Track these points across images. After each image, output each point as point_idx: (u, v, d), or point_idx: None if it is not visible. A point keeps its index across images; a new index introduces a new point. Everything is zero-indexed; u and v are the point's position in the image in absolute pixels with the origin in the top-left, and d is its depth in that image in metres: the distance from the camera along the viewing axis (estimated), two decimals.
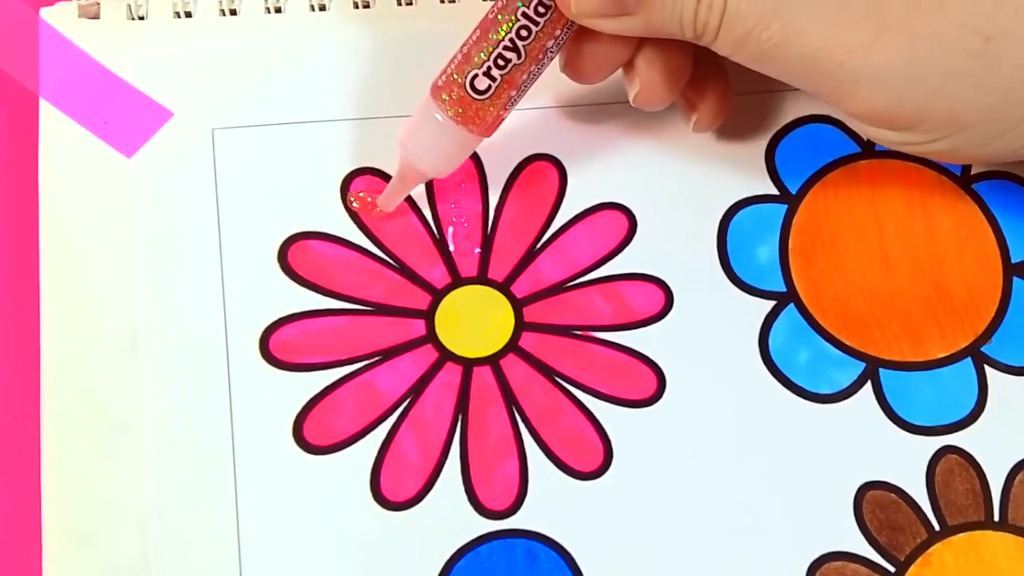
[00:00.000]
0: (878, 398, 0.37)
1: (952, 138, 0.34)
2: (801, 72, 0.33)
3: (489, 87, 0.34)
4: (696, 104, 0.38)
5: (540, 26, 0.34)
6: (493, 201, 0.39)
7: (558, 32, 0.34)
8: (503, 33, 0.34)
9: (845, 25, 0.32)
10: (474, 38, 0.34)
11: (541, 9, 0.34)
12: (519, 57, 0.34)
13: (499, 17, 0.34)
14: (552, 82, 0.40)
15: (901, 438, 0.37)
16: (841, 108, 0.34)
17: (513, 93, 0.35)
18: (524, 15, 0.34)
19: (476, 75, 0.34)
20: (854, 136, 0.40)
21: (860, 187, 0.40)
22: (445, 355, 0.37)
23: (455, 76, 0.34)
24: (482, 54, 0.34)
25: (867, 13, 0.32)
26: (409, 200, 0.39)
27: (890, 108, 0.33)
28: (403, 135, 0.36)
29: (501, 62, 0.34)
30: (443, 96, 0.34)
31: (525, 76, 0.34)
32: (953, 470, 0.36)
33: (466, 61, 0.34)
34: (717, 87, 0.38)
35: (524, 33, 0.34)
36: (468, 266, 0.38)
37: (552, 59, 0.35)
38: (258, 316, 0.37)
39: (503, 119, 0.35)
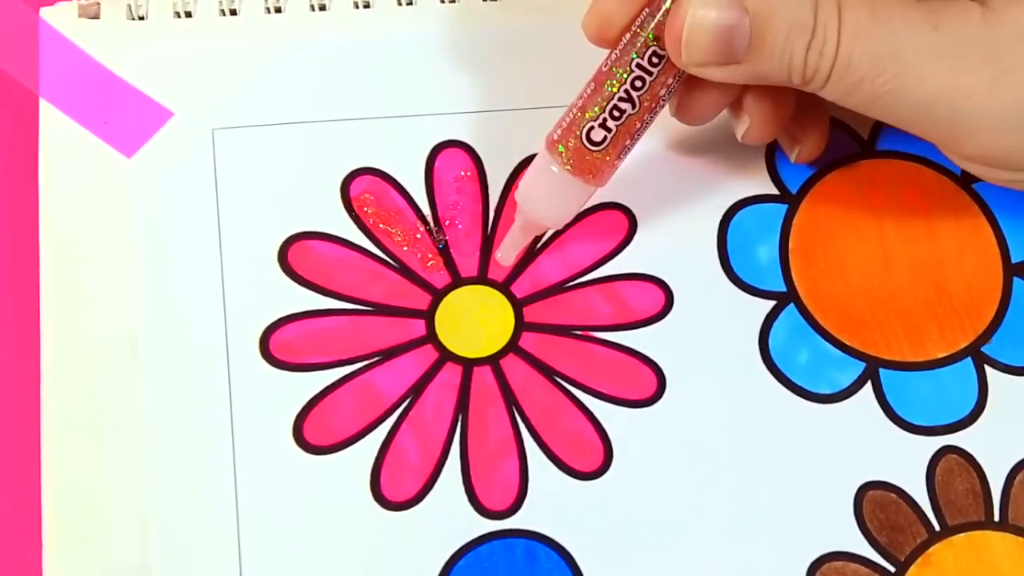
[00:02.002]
0: (878, 398, 0.37)
1: None
2: (915, 118, 0.33)
3: (605, 138, 0.34)
4: (798, 137, 0.38)
5: (654, 76, 0.34)
6: (493, 201, 0.39)
7: (670, 80, 0.34)
8: (617, 86, 0.34)
9: (963, 70, 0.32)
10: (588, 91, 0.34)
11: (655, 60, 0.34)
12: (633, 107, 0.34)
13: (613, 69, 0.34)
14: (552, 82, 0.40)
15: (901, 438, 0.37)
16: (955, 152, 0.34)
17: (627, 142, 0.35)
18: (639, 66, 0.34)
19: (592, 127, 0.34)
20: (854, 136, 0.40)
21: (860, 187, 0.40)
22: (445, 355, 0.37)
23: (571, 129, 0.35)
24: (596, 108, 0.34)
25: (985, 56, 0.32)
26: (409, 200, 0.39)
27: (1008, 150, 0.33)
28: (521, 189, 0.36)
29: (616, 113, 0.34)
30: (559, 148, 0.35)
31: (639, 125, 0.35)
32: (953, 470, 0.36)
33: (582, 114, 0.34)
34: (819, 120, 0.38)
35: (638, 84, 0.34)
36: (468, 266, 0.38)
37: (664, 105, 0.35)
38: (258, 316, 0.37)
39: (617, 168, 0.35)
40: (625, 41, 0.34)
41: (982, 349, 0.38)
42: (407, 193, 0.39)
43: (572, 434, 0.36)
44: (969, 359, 0.38)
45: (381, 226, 0.38)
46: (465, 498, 0.35)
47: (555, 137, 0.35)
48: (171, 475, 0.35)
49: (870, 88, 0.32)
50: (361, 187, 0.39)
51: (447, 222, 0.38)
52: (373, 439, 0.36)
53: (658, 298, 0.38)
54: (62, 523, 0.35)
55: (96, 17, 0.40)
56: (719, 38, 0.32)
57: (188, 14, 0.40)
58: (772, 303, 0.38)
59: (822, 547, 0.35)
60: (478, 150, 0.39)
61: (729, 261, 0.38)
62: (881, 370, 0.37)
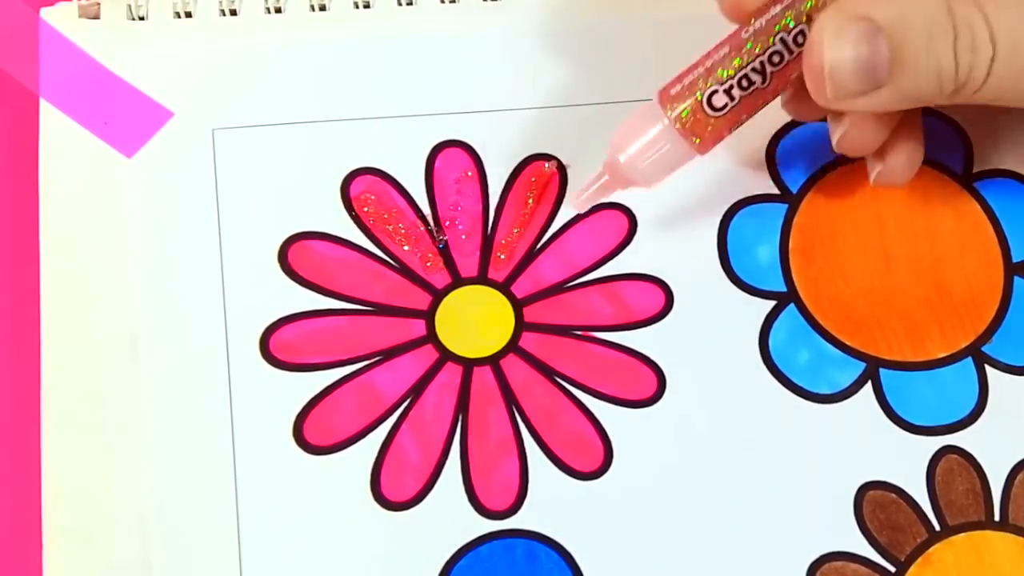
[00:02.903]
0: (878, 398, 0.37)
1: None
2: None
3: (726, 106, 0.33)
4: (885, 155, 0.36)
5: (794, 55, 0.33)
6: (493, 201, 0.39)
7: None
8: (754, 55, 0.32)
9: None
10: (721, 54, 0.33)
11: (800, 39, 0.32)
12: (764, 82, 0.33)
13: (754, 38, 0.33)
14: (552, 81, 0.40)
15: (901, 438, 0.37)
16: None
17: (744, 117, 0.34)
18: (782, 41, 0.32)
19: (716, 91, 0.33)
20: None
21: (861, 186, 0.40)
22: (445, 355, 0.37)
23: (691, 87, 0.33)
24: (726, 72, 0.33)
25: None
26: (409, 200, 0.39)
27: None
28: (618, 137, 0.34)
29: (745, 83, 0.33)
30: (675, 105, 0.33)
31: (761, 102, 0.33)
32: (953, 470, 0.36)
33: (709, 74, 0.33)
34: (915, 137, 0.36)
35: (776, 59, 0.32)
36: (468, 266, 0.38)
37: (789, 88, 0.34)
38: (258, 316, 0.37)
39: (723, 139, 0.34)
40: (774, 12, 0.32)
41: (982, 349, 0.38)
42: (407, 193, 0.39)
43: (572, 434, 0.36)
44: (969, 359, 0.38)
45: (381, 226, 0.38)
46: (465, 498, 0.35)
47: (672, 92, 0.33)
48: (171, 475, 0.35)
49: None
50: (361, 187, 0.39)
51: (447, 222, 0.38)
52: (373, 439, 0.36)
53: (658, 298, 0.38)
54: (62, 523, 0.35)
55: (96, 17, 0.40)
56: (861, 69, 0.31)
57: (188, 14, 0.40)
58: (772, 303, 0.38)
59: (822, 547, 0.35)
60: (478, 150, 0.39)
61: (729, 261, 0.38)
62: (881, 370, 0.37)
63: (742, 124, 0.34)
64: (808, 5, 0.32)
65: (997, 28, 0.30)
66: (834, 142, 0.35)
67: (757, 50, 0.33)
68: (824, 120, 0.36)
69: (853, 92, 0.31)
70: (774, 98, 0.34)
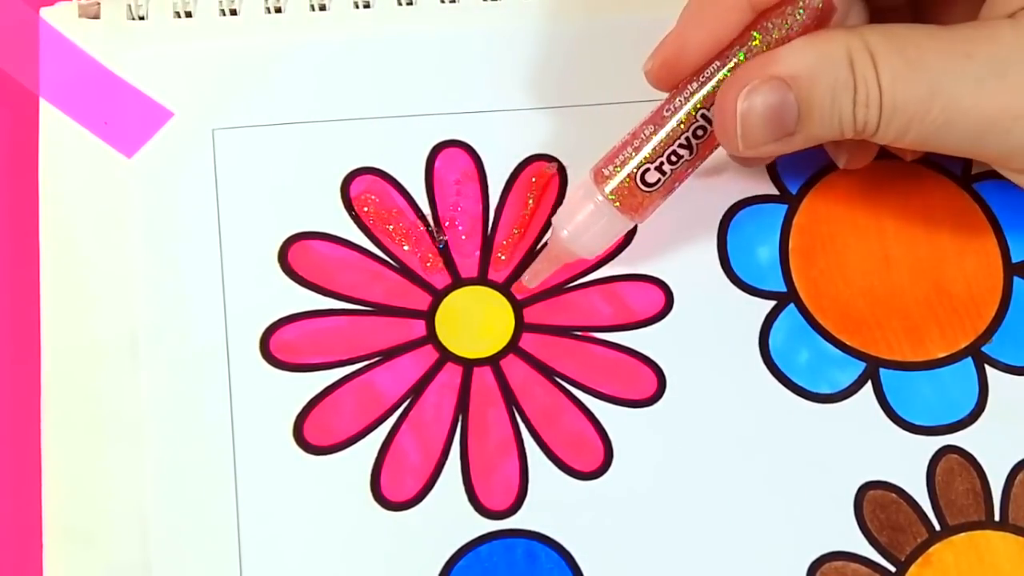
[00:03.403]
0: (878, 398, 0.37)
1: None
2: (969, 145, 0.33)
3: (658, 180, 0.35)
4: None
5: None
6: (493, 201, 0.39)
7: None
8: (679, 132, 0.34)
9: (1006, 91, 0.32)
10: (646, 133, 0.35)
11: None
12: (691, 154, 0.35)
13: (677, 115, 0.34)
14: (552, 81, 0.40)
15: (901, 438, 0.37)
16: (1011, 168, 0.35)
17: (676, 184, 0.35)
18: (704, 116, 0.34)
19: (648, 169, 0.34)
20: None
21: (860, 187, 0.40)
22: (445, 356, 0.37)
23: (623, 167, 0.35)
24: (654, 152, 0.34)
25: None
26: (409, 200, 0.39)
27: None
28: (560, 218, 0.36)
29: (674, 158, 0.34)
30: (608, 184, 0.35)
31: (691, 170, 0.35)
32: (953, 470, 0.36)
33: (635, 154, 0.35)
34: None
35: (700, 133, 0.34)
36: (468, 266, 0.38)
37: (716, 149, 0.35)
38: (258, 316, 0.37)
39: (659, 207, 0.36)
40: (692, 89, 0.34)
41: (982, 349, 0.38)
42: (407, 193, 0.39)
43: (572, 434, 0.36)
44: (969, 359, 0.38)
45: (381, 226, 0.38)
46: (465, 498, 0.35)
47: (605, 172, 0.35)
48: (171, 475, 0.35)
49: (919, 127, 0.33)
50: (361, 187, 0.39)
51: (447, 223, 0.38)
52: (373, 439, 0.36)
53: (658, 298, 0.38)
54: (62, 523, 0.35)
55: (96, 17, 0.40)
56: (771, 121, 0.33)
57: (188, 14, 0.40)
58: (772, 303, 0.38)
59: (822, 547, 0.35)
60: (478, 150, 0.39)
61: (729, 261, 0.38)
62: (881, 370, 0.37)
63: (675, 191, 0.36)
64: (724, 76, 0.34)
65: (883, 86, 0.32)
66: (841, 166, 0.38)
67: (682, 127, 0.34)
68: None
69: (764, 141, 0.33)
70: (702, 163, 0.35)
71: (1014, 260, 0.39)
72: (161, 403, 0.36)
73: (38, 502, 0.35)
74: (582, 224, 0.36)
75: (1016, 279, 0.39)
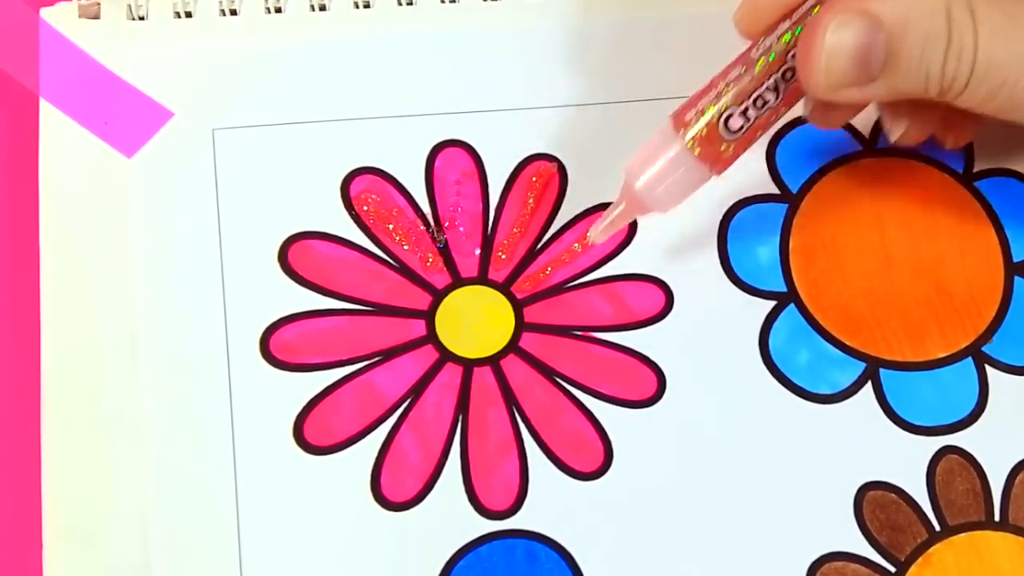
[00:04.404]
0: (878, 398, 0.37)
1: None
2: None
3: (742, 127, 0.33)
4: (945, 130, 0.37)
5: None
6: (493, 201, 0.39)
7: None
8: (768, 73, 0.33)
9: None
10: (734, 75, 0.33)
11: None
12: (777, 98, 0.33)
13: (766, 57, 0.33)
14: (552, 81, 0.40)
15: (901, 438, 0.37)
16: None
17: (759, 134, 0.34)
18: (795, 56, 0.32)
19: (732, 114, 0.33)
20: (855, 134, 0.40)
21: (861, 186, 0.40)
22: (445, 355, 0.37)
23: (707, 111, 0.33)
24: (741, 94, 0.33)
25: None
26: (409, 200, 0.39)
27: None
28: (633, 164, 0.34)
29: (760, 103, 0.33)
30: (689, 131, 0.33)
31: (775, 118, 0.33)
32: (953, 470, 0.36)
33: (719, 97, 0.33)
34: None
35: (789, 75, 0.33)
36: (468, 266, 0.38)
37: (801, 98, 0.34)
38: (258, 316, 0.37)
39: (738, 158, 0.34)
40: (782, 29, 0.33)
41: (983, 349, 0.38)
42: (407, 193, 0.39)
43: (572, 434, 0.36)
44: (970, 359, 0.38)
45: (382, 226, 0.38)
46: (465, 498, 0.35)
47: (686, 118, 0.33)
48: (171, 475, 0.35)
49: (1012, 92, 0.31)
50: (361, 187, 0.39)
51: (447, 223, 0.38)
52: (373, 439, 0.36)
53: (658, 298, 0.38)
54: (62, 523, 0.35)
55: (96, 17, 0.40)
56: (857, 59, 0.31)
57: (188, 14, 0.40)
58: (772, 303, 0.38)
59: (822, 547, 0.35)
60: (478, 150, 0.39)
61: (729, 261, 0.38)
62: (881, 370, 0.37)
63: (756, 141, 0.34)
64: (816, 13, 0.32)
65: (980, 43, 0.31)
66: (893, 139, 0.36)
67: (771, 69, 0.33)
68: (841, 128, 0.37)
69: (845, 82, 0.32)
70: (788, 109, 0.34)
71: (1015, 259, 0.39)
72: (161, 403, 0.36)
73: (38, 502, 0.35)
74: (658, 175, 0.33)
75: (1017, 279, 0.39)
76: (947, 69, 0.31)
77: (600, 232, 0.36)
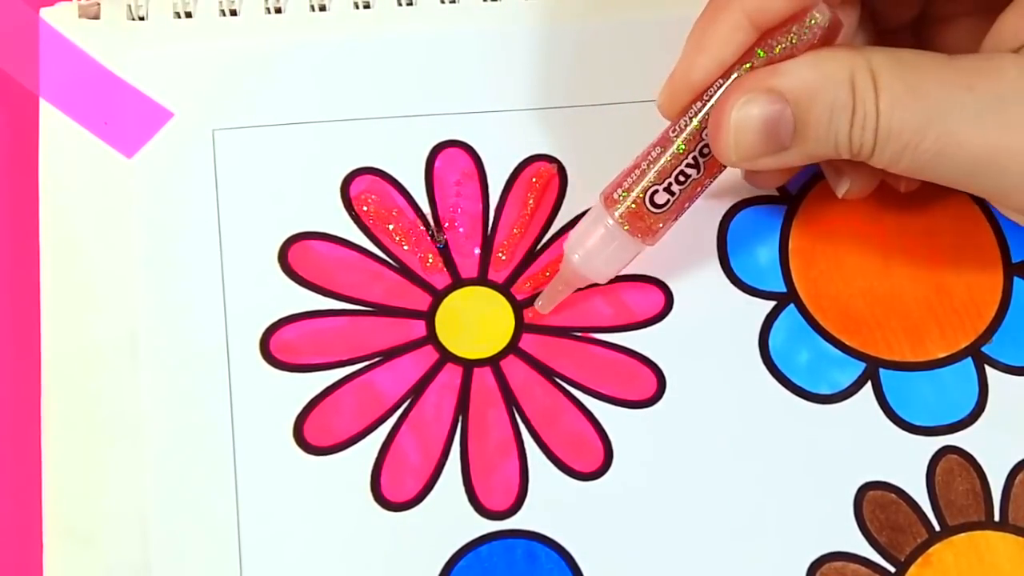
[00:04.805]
0: (878, 398, 0.37)
1: None
2: (963, 179, 0.33)
3: (668, 201, 0.34)
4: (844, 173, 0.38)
5: None
6: (493, 201, 0.39)
7: None
8: (685, 151, 0.34)
9: (1005, 127, 0.32)
10: (654, 154, 0.34)
11: None
12: (698, 172, 0.34)
13: (682, 135, 0.34)
14: (552, 81, 0.40)
15: (901, 438, 0.37)
16: (1006, 206, 0.35)
17: (687, 205, 0.35)
18: (707, 134, 0.34)
19: (656, 191, 0.34)
20: None
21: None
22: (445, 356, 0.37)
23: (632, 190, 0.34)
24: (662, 172, 0.34)
25: None
26: (409, 200, 0.39)
27: None
28: (570, 241, 0.36)
29: (682, 178, 0.34)
30: (617, 208, 0.35)
31: (700, 189, 0.35)
32: (953, 470, 0.36)
33: (643, 176, 0.34)
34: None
35: (706, 150, 0.34)
36: (468, 267, 0.38)
37: (725, 168, 0.35)
38: (258, 316, 0.37)
39: (669, 228, 0.35)
40: (696, 108, 0.34)
41: (982, 349, 0.38)
42: (407, 193, 0.39)
43: (572, 435, 0.36)
44: (969, 359, 0.38)
45: (381, 226, 0.38)
46: (465, 498, 0.35)
47: (615, 196, 0.35)
48: (171, 475, 0.35)
49: (914, 155, 0.32)
50: (361, 187, 0.39)
51: (447, 223, 0.38)
52: (373, 440, 0.36)
53: (658, 299, 0.38)
54: (62, 523, 0.35)
55: (96, 17, 0.40)
56: (764, 132, 0.32)
57: (188, 14, 0.40)
58: (772, 303, 0.38)
59: (822, 547, 0.35)
60: (478, 150, 0.39)
61: (729, 261, 0.38)
62: (881, 370, 0.37)
63: (685, 212, 0.35)
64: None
65: (881, 111, 0.32)
66: (841, 195, 0.37)
67: (687, 148, 0.34)
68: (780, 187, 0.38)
69: (755, 153, 0.33)
70: (712, 179, 0.35)
71: (1014, 260, 0.39)
72: (161, 403, 0.36)
73: (38, 502, 0.35)
74: (593, 249, 0.35)
75: (1016, 279, 0.39)
76: (853, 135, 0.32)
77: (544, 304, 0.37)
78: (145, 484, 0.35)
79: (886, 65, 0.32)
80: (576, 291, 0.37)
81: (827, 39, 0.33)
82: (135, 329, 0.37)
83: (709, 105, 0.34)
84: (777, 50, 0.33)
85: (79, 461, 0.35)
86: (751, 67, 0.33)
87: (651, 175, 0.34)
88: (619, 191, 0.35)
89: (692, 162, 0.34)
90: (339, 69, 0.40)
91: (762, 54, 0.33)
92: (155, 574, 0.34)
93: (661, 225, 0.35)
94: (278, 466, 0.35)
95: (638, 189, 0.34)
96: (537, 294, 0.38)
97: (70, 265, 0.37)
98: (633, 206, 0.34)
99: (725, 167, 0.35)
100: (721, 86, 0.33)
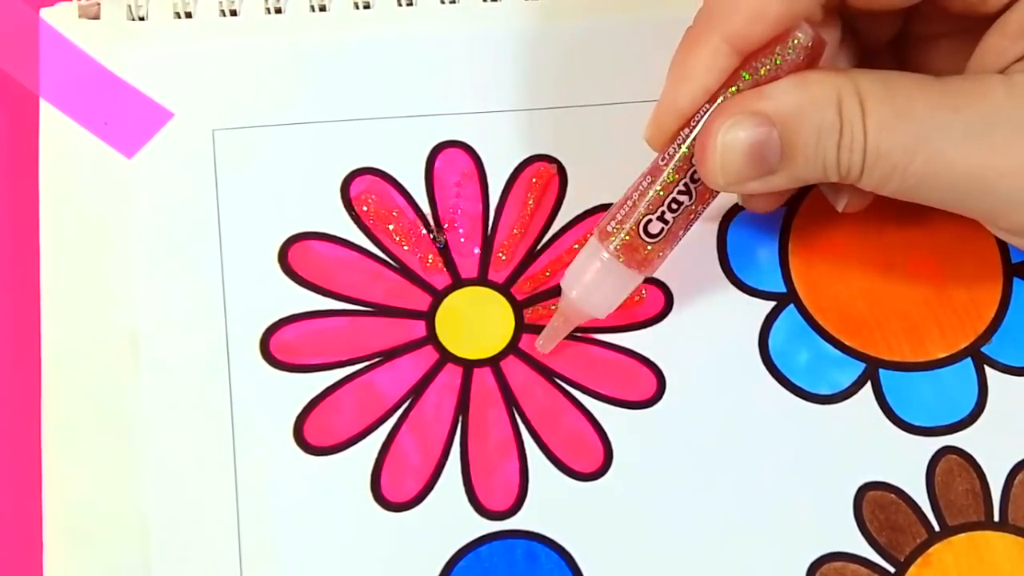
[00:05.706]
0: (878, 399, 0.37)
1: None
2: (953, 200, 0.33)
3: (662, 230, 0.34)
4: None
5: None
6: (493, 201, 0.39)
7: None
8: (676, 179, 0.34)
9: (993, 148, 0.32)
10: (645, 183, 0.34)
11: None
12: (691, 199, 0.34)
13: (672, 164, 0.34)
14: (552, 81, 0.40)
15: (901, 438, 0.37)
16: (995, 226, 0.35)
17: (681, 233, 0.35)
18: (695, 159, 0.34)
19: (650, 220, 0.34)
20: None
21: None
22: (445, 356, 0.37)
23: (625, 221, 0.34)
24: (654, 201, 0.34)
25: (1015, 132, 0.32)
26: (409, 200, 0.39)
27: None
28: (568, 278, 0.35)
29: (675, 205, 0.34)
30: (612, 241, 0.34)
31: (694, 216, 0.35)
32: (953, 470, 0.36)
33: (635, 207, 0.34)
34: None
35: (696, 176, 0.34)
36: (468, 267, 0.38)
37: (718, 193, 0.35)
38: (258, 317, 0.37)
39: (667, 257, 0.35)
40: (685, 134, 0.34)
41: (982, 349, 0.38)
42: (407, 193, 0.39)
43: (572, 435, 0.36)
44: (969, 359, 0.38)
45: (382, 226, 0.38)
46: (465, 499, 0.35)
47: (608, 229, 0.35)
48: (171, 475, 0.35)
49: (903, 177, 0.32)
50: (361, 187, 0.39)
51: (447, 223, 0.38)
52: (373, 440, 0.36)
53: (658, 298, 0.38)
54: (62, 523, 0.35)
55: (96, 17, 0.40)
56: (751, 155, 0.32)
57: (188, 14, 0.40)
58: (772, 303, 0.38)
59: (822, 547, 0.35)
60: (478, 150, 0.39)
61: (729, 261, 0.38)
62: (881, 370, 0.37)
63: (680, 240, 0.35)
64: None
65: (869, 133, 0.32)
66: (840, 210, 0.37)
67: (678, 175, 0.34)
68: (780, 207, 0.38)
69: (743, 177, 0.33)
70: (706, 208, 0.35)
71: (1014, 260, 0.39)
72: (161, 403, 0.36)
73: (38, 502, 0.35)
74: (591, 283, 0.35)
75: (1016, 279, 0.39)
76: (841, 158, 0.32)
77: (544, 343, 0.37)
78: (145, 484, 0.35)
79: (873, 87, 0.32)
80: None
81: (811, 59, 0.33)
82: (135, 328, 0.37)
83: (696, 131, 0.33)
84: (762, 72, 0.33)
85: (79, 461, 0.35)
86: (737, 90, 0.33)
87: (643, 205, 0.34)
88: (613, 224, 0.34)
89: (684, 189, 0.34)
90: (339, 69, 0.40)
91: (748, 77, 0.33)
92: (155, 574, 0.34)
93: (658, 254, 0.35)
94: (278, 466, 0.35)
95: (631, 220, 0.34)
96: (537, 294, 0.38)
97: (70, 265, 0.37)
98: (627, 238, 0.34)
99: (718, 193, 0.34)
100: (708, 111, 0.33)
